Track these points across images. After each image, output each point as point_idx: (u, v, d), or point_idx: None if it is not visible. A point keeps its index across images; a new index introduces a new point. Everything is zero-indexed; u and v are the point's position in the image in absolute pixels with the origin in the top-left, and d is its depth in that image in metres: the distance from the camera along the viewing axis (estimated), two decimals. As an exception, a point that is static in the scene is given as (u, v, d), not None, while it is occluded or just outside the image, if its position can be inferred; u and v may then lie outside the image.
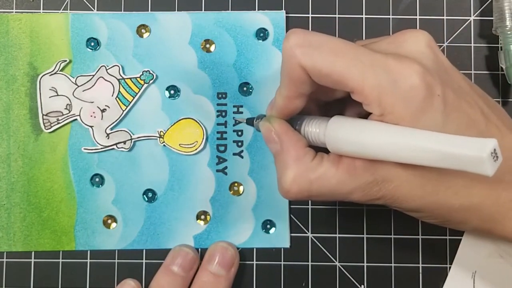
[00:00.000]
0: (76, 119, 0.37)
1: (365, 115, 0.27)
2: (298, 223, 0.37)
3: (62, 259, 0.37)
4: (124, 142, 0.37)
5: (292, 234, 0.37)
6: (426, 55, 0.27)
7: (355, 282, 0.37)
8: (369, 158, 0.26)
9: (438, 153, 0.23)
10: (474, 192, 0.27)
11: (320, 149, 0.29)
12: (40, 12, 0.38)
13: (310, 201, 0.37)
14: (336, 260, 0.37)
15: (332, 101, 0.31)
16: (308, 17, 0.38)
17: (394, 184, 0.27)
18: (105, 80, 0.37)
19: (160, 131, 0.37)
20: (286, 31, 0.37)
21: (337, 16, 0.38)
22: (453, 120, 0.26)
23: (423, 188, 0.27)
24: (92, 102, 0.37)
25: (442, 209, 0.27)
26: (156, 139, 0.37)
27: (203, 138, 0.37)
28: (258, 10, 0.38)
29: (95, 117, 0.37)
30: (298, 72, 0.26)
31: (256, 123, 0.33)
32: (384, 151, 0.25)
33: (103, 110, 0.37)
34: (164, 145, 0.37)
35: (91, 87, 0.37)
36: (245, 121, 0.35)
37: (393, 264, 0.37)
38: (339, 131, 0.27)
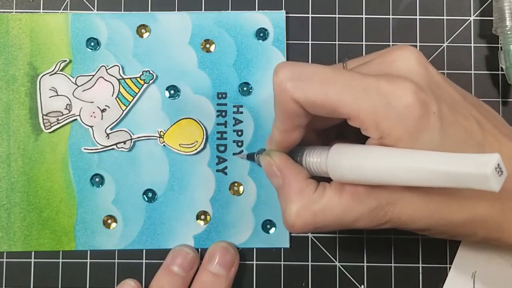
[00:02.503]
0: (76, 119, 0.37)
1: (365, 138, 0.27)
2: (298, 223, 0.37)
3: (62, 259, 0.37)
4: (124, 142, 0.37)
5: (292, 234, 0.37)
6: (417, 72, 0.26)
7: (355, 282, 0.37)
8: (373, 184, 0.26)
9: (442, 173, 0.22)
10: (478, 204, 0.27)
11: (322, 179, 0.29)
12: (40, 12, 0.38)
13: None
14: (336, 260, 0.37)
15: (331, 128, 0.30)
16: (308, 17, 0.38)
17: (399, 206, 0.26)
18: (105, 80, 0.37)
19: (160, 131, 0.37)
20: (286, 31, 0.37)
21: (337, 16, 0.38)
22: (450, 135, 0.26)
23: (427, 207, 0.26)
24: (92, 102, 0.37)
25: (449, 224, 0.27)
26: (156, 139, 0.37)
27: (203, 138, 0.37)
28: (258, 10, 0.38)
29: (95, 117, 0.37)
30: (291, 105, 0.26)
31: (257, 158, 0.33)
32: (388, 176, 0.25)
33: (103, 110, 0.37)
34: (164, 145, 0.37)
35: (91, 87, 0.37)
36: (245, 157, 0.35)
37: (393, 264, 0.37)
38: (341, 159, 0.27)
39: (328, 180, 0.28)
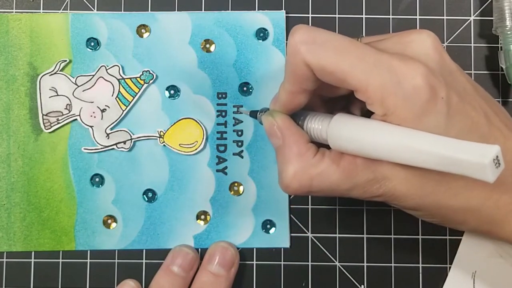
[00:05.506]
0: (76, 119, 0.37)
1: (369, 112, 0.27)
2: (298, 223, 0.37)
3: (62, 259, 0.37)
4: (124, 142, 0.37)
5: (292, 234, 0.37)
6: (431, 57, 0.27)
7: (355, 282, 0.37)
8: (370, 157, 0.26)
9: (439, 157, 0.23)
10: (474, 194, 0.27)
11: (322, 145, 0.29)
12: (40, 12, 0.38)
13: (310, 201, 0.37)
14: (336, 260, 0.37)
15: (337, 97, 0.31)
16: (308, 17, 0.38)
17: (394, 182, 0.27)
18: (105, 80, 0.37)
19: (160, 131, 0.37)
20: (286, 31, 0.37)
21: (337, 16, 0.38)
22: (455, 123, 0.26)
23: (422, 188, 0.27)
24: (92, 102, 0.37)
25: (441, 209, 0.27)
26: (156, 139, 0.37)
27: (203, 138, 0.37)
28: (258, 10, 0.38)
29: (95, 117, 0.37)
30: (302, 68, 0.26)
31: (260, 116, 0.33)
32: (386, 152, 0.25)
33: (103, 110, 0.37)
34: (164, 145, 0.37)
35: (91, 87, 0.37)
36: (248, 113, 0.35)
37: (393, 264, 0.37)
38: (342, 129, 0.27)
39: (328, 146, 0.28)
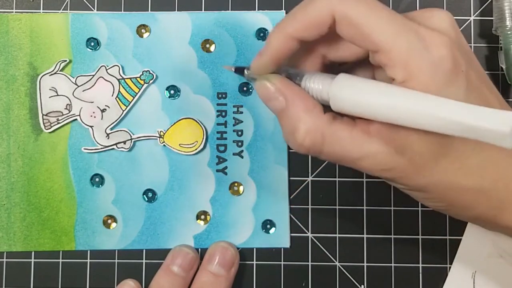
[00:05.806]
0: (76, 119, 0.37)
1: None
2: (298, 223, 0.37)
3: (62, 259, 0.37)
4: (124, 142, 0.37)
5: (292, 234, 0.37)
6: (451, 33, 0.26)
7: (355, 282, 0.37)
8: (380, 120, 0.25)
9: (460, 124, 0.22)
10: (486, 174, 0.26)
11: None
12: (40, 12, 0.38)
13: (310, 201, 0.37)
14: (336, 260, 0.37)
15: (339, 64, 0.30)
16: (308, 17, 0.38)
17: (407, 156, 0.26)
18: (105, 80, 0.37)
19: (160, 131, 0.37)
20: (286, 31, 0.37)
21: (337, 16, 0.38)
22: (473, 99, 0.25)
23: (435, 164, 0.26)
24: (92, 102, 0.37)
25: (451, 189, 0.27)
26: (156, 139, 0.37)
27: (203, 138, 0.37)
28: (258, 10, 0.38)
29: (95, 117, 0.37)
30: (324, 14, 0.25)
31: (248, 74, 0.30)
32: (404, 115, 0.24)
33: (103, 110, 0.37)
34: (164, 145, 0.37)
35: (91, 87, 0.37)
36: (233, 69, 0.32)
37: (393, 264, 0.37)
38: (348, 90, 0.25)
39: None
